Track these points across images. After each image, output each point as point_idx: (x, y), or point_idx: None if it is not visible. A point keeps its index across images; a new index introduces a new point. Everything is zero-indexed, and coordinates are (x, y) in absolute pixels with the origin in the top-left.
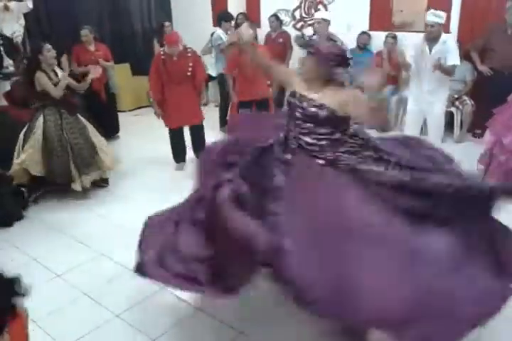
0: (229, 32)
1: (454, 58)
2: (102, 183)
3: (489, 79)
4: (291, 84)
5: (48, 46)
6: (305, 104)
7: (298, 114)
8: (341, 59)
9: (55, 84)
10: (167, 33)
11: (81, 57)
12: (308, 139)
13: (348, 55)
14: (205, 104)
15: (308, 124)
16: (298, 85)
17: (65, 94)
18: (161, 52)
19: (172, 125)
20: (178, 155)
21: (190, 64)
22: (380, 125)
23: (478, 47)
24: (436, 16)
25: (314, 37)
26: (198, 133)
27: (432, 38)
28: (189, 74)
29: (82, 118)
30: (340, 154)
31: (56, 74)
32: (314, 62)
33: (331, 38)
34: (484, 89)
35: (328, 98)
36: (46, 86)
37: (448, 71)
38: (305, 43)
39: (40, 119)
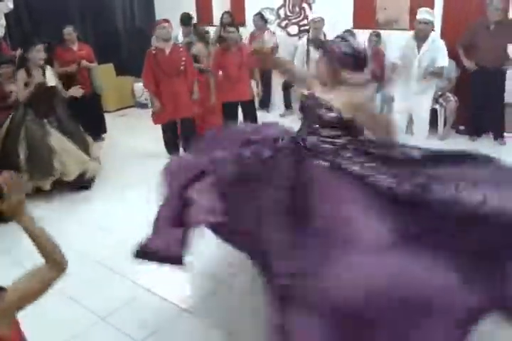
0: (191, 35)
1: (443, 59)
2: (83, 184)
3: (473, 75)
4: (309, 85)
5: (39, 46)
6: (317, 105)
7: (314, 116)
8: (354, 59)
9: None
10: None
11: (64, 57)
12: (315, 140)
13: (365, 55)
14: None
15: (320, 125)
16: (315, 87)
17: (38, 97)
18: (153, 48)
19: (165, 119)
20: (171, 148)
21: (183, 58)
22: (383, 136)
23: (464, 43)
24: (428, 14)
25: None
26: (189, 126)
27: (422, 36)
28: (182, 68)
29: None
30: (343, 159)
31: (44, 74)
32: (325, 63)
33: (346, 38)
34: (468, 86)
35: (336, 99)
36: (17, 84)
37: (438, 75)
38: (320, 44)
39: (9, 118)
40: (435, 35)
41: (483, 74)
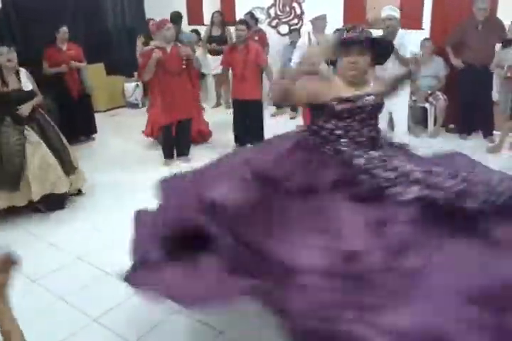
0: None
1: (412, 48)
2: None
3: (461, 73)
4: (329, 95)
5: (2, 49)
6: (368, 101)
7: (364, 115)
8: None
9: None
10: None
11: (53, 57)
12: (373, 134)
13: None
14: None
15: (373, 121)
16: (342, 89)
17: (14, 104)
18: (153, 47)
19: (171, 119)
20: (169, 151)
21: (184, 57)
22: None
23: (452, 42)
24: (393, 10)
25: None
26: (186, 129)
27: (390, 32)
28: (184, 66)
29: (33, 134)
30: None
31: (19, 80)
32: (368, 56)
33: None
34: (457, 85)
35: (377, 85)
36: None
37: (405, 61)
38: (362, 39)
39: None
40: (405, 31)
41: (472, 72)
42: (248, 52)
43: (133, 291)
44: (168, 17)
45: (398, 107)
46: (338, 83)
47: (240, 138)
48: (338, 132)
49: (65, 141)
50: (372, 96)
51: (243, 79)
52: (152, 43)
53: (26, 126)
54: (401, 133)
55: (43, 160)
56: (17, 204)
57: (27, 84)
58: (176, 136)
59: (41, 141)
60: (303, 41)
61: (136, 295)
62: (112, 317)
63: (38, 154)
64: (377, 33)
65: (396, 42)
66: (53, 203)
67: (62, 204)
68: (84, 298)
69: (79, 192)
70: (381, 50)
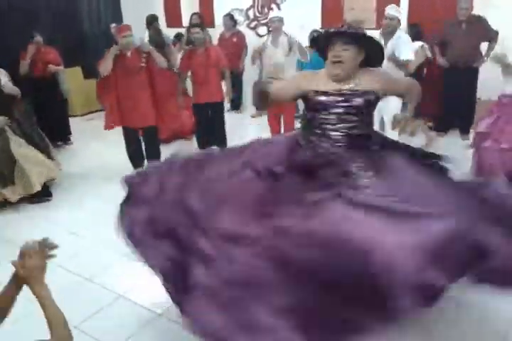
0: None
1: (407, 53)
2: (46, 195)
3: (446, 73)
4: (308, 87)
5: None
6: (349, 97)
7: (341, 110)
8: (373, 40)
9: None
10: (114, 34)
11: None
12: (356, 131)
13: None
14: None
15: (355, 117)
16: (323, 83)
17: None
18: (114, 53)
19: (121, 122)
20: (137, 161)
21: (143, 59)
22: (418, 95)
23: (439, 40)
24: (396, 11)
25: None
26: (152, 136)
27: (388, 32)
28: (143, 64)
29: (8, 130)
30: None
31: None
32: (353, 50)
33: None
34: (435, 84)
35: (367, 82)
36: None
37: (401, 65)
38: (343, 30)
39: None
40: (401, 31)
41: (456, 72)
42: (209, 55)
43: (114, 296)
44: (145, 19)
45: (390, 109)
46: (322, 76)
47: (203, 143)
48: (314, 123)
49: (43, 136)
50: (359, 92)
51: (206, 82)
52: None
53: (7, 126)
54: (391, 135)
55: (27, 154)
56: (11, 199)
57: (7, 84)
58: (144, 145)
59: (22, 137)
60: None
61: (117, 301)
62: (92, 323)
63: (21, 149)
64: None
65: (392, 42)
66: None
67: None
68: (64, 304)
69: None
70: (370, 47)
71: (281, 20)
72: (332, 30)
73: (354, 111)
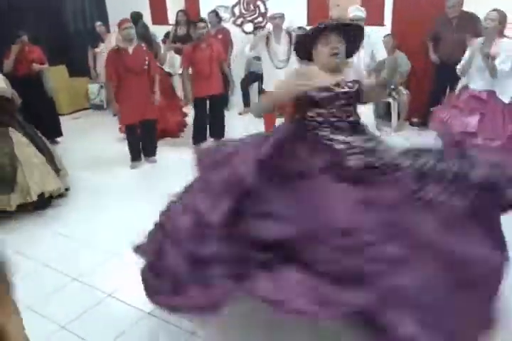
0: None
1: (380, 50)
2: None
3: (437, 69)
4: (315, 79)
5: None
6: (345, 88)
7: (343, 101)
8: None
9: None
10: (100, 32)
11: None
12: (353, 118)
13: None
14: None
15: (351, 106)
16: (320, 77)
17: None
18: (115, 47)
19: (133, 119)
20: (136, 153)
21: (146, 58)
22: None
23: (432, 36)
24: (360, 11)
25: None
26: (150, 129)
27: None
28: (145, 67)
29: (14, 131)
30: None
31: None
32: (344, 45)
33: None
34: (419, 80)
35: (352, 74)
36: None
37: (377, 69)
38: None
39: None
40: (370, 30)
41: (447, 69)
42: (212, 49)
43: (102, 296)
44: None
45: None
46: (316, 72)
47: (200, 138)
48: (320, 119)
49: (45, 140)
50: (350, 84)
51: (210, 76)
52: (105, 46)
53: (10, 128)
54: (370, 128)
55: (31, 160)
56: (9, 207)
57: (1, 83)
58: (141, 137)
59: (28, 141)
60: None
61: (106, 300)
62: (80, 323)
63: (25, 154)
64: None
65: (363, 42)
66: (41, 202)
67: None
68: (52, 305)
69: (66, 190)
70: (354, 35)
71: (282, 16)
72: (327, 23)
73: (351, 101)
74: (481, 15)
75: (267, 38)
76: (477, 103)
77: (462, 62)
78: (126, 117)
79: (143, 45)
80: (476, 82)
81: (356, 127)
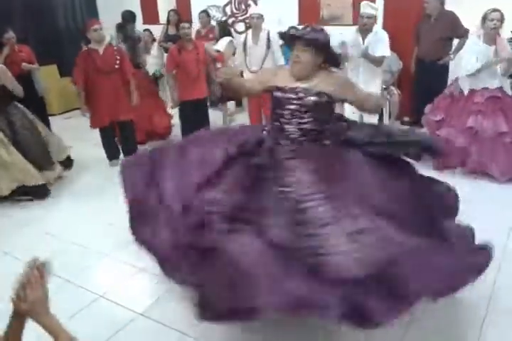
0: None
1: (383, 49)
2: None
3: (416, 67)
4: (270, 83)
5: None
6: (301, 95)
7: (294, 106)
8: (323, 45)
9: None
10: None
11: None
12: (309, 126)
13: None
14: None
15: (306, 114)
16: (283, 80)
17: None
18: (85, 48)
19: (102, 122)
20: (111, 153)
21: (118, 57)
22: (372, 109)
23: (416, 39)
24: (372, 8)
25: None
26: (128, 131)
27: (366, 30)
28: (117, 66)
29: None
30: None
31: None
32: (311, 53)
33: (315, 28)
34: (410, 79)
35: (323, 84)
36: None
37: (376, 61)
38: (301, 34)
39: None
40: (378, 27)
41: (424, 66)
42: (198, 51)
43: (94, 297)
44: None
45: None
46: (285, 73)
47: None
48: (274, 116)
49: (45, 133)
50: (311, 92)
51: (197, 79)
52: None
53: None
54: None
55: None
56: None
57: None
58: (120, 139)
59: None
60: (242, 40)
61: (98, 301)
62: (72, 324)
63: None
64: (332, 29)
65: (369, 39)
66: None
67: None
68: None
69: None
70: (327, 53)
71: (260, 17)
72: (291, 32)
73: (305, 109)
74: (460, 15)
75: (245, 39)
76: (496, 102)
77: (474, 66)
78: (97, 119)
79: (113, 45)
80: (486, 81)
81: (311, 136)
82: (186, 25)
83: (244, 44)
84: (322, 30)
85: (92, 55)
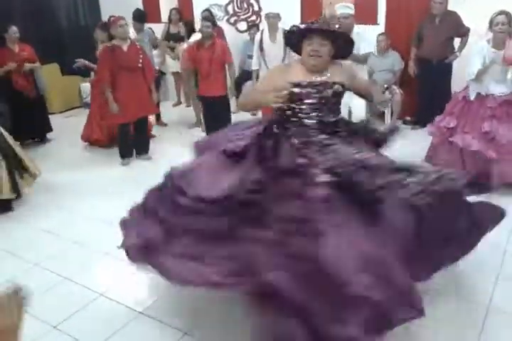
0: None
1: (366, 47)
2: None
3: (420, 67)
4: (283, 81)
5: None
6: (320, 88)
7: (313, 100)
8: (348, 37)
9: None
10: None
11: (4, 59)
12: (326, 119)
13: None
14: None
15: (325, 106)
16: (298, 75)
17: None
18: (108, 45)
19: (128, 117)
20: (127, 150)
21: (141, 56)
22: (380, 100)
23: (415, 42)
24: (348, 8)
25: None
26: (143, 127)
27: (346, 30)
28: (140, 65)
29: None
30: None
31: None
32: (329, 46)
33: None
34: (412, 79)
35: (337, 75)
36: None
37: (360, 60)
38: (320, 28)
39: None
40: (359, 27)
41: (429, 66)
42: (215, 50)
43: (93, 296)
44: (123, 14)
45: (355, 103)
46: (297, 68)
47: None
48: (289, 113)
49: (12, 144)
50: (329, 84)
51: (209, 77)
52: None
53: None
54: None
55: None
56: None
57: None
58: (134, 135)
59: None
60: (258, 38)
61: (98, 300)
62: (72, 323)
63: None
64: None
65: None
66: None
67: (9, 207)
68: (43, 305)
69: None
70: (342, 42)
71: (277, 16)
72: (314, 26)
73: (324, 101)
74: (462, 15)
75: (261, 38)
76: (510, 106)
77: (476, 68)
78: (123, 116)
79: (137, 43)
80: (496, 86)
81: (328, 127)
82: (207, 23)
83: (261, 42)
84: (329, 25)
85: (116, 51)
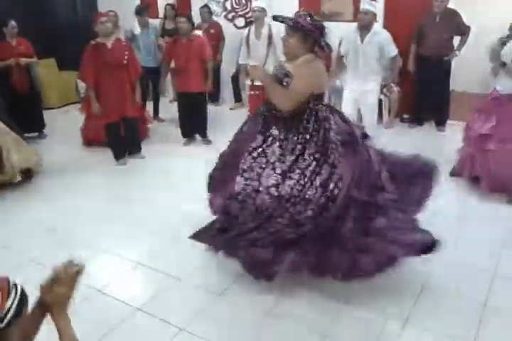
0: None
1: (391, 50)
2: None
3: (419, 65)
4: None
5: None
6: (281, 76)
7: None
8: (321, 32)
9: None
10: None
11: (1, 53)
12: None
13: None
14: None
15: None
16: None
17: None
18: (93, 42)
19: (111, 118)
20: (118, 151)
21: (126, 52)
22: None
23: (415, 40)
24: (370, 5)
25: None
26: (133, 127)
27: (363, 26)
28: (125, 62)
29: None
30: None
31: None
32: (297, 38)
33: (309, 14)
34: (409, 76)
35: (293, 66)
36: None
37: (395, 66)
38: (287, 20)
39: None
40: (378, 27)
41: (429, 64)
42: (191, 45)
43: (90, 292)
44: (121, 9)
45: (368, 102)
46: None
47: (187, 132)
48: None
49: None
50: (284, 71)
51: (185, 72)
52: None
53: None
54: (371, 125)
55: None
56: None
57: None
58: (124, 135)
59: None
60: (245, 33)
61: (96, 296)
62: (72, 317)
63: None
64: (332, 25)
65: (371, 39)
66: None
67: None
68: None
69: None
70: (314, 39)
71: (262, 10)
72: (278, 19)
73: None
74: (462, 13)
75: (248, 33)
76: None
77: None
78: (106, 116)
79: (123, 39)
80: (503, 84)
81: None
82: (182, 19)
83: (247, 38)
84: (311, 17)
85: (100, 49)
